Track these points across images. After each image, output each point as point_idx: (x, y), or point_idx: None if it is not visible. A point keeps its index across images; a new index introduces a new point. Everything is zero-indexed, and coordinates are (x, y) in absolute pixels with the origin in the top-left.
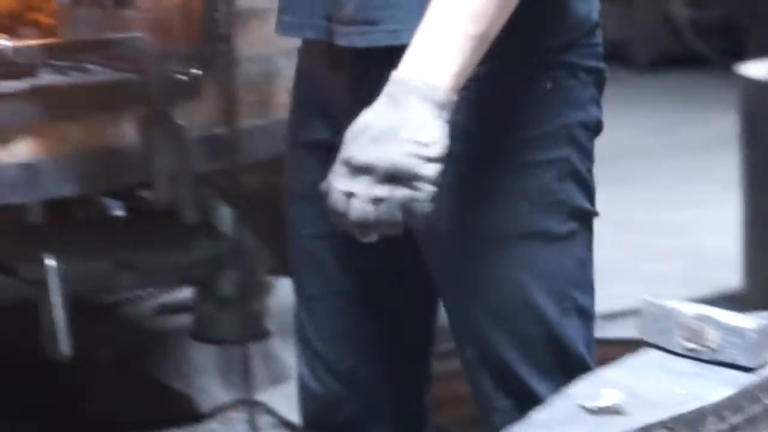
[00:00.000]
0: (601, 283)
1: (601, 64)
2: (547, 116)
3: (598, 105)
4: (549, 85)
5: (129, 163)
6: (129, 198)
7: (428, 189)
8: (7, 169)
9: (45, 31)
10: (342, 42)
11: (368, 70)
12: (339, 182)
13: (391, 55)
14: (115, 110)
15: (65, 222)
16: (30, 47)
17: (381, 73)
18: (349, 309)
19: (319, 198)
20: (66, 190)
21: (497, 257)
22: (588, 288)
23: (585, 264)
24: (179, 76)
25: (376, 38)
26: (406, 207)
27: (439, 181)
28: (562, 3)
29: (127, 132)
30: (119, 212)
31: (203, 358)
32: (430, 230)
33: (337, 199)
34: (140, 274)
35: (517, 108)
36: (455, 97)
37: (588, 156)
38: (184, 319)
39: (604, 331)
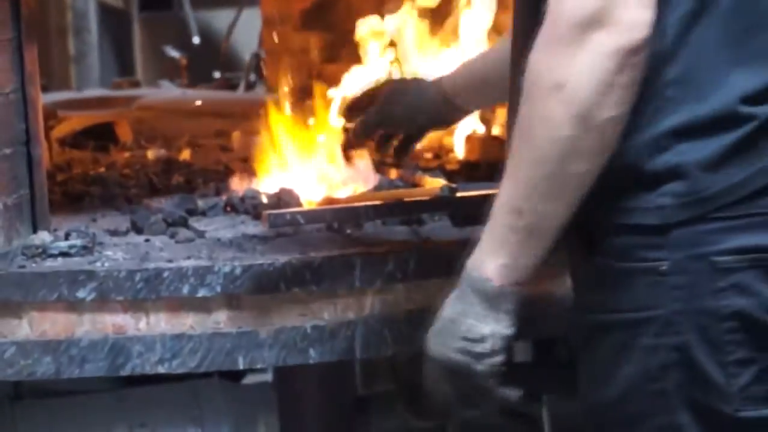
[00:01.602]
0: None
1: (759, 240)
2: (658, 300)
3: (746, 292)
4: (663, 268)
5: None
6: None
7: (484, 384)
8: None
9: None
10: None
11: None
12: (426, 367)
13: None
14: None
15: (551, 361)
16: None
17: None
18: None
19: None
20: (554, 331)
21: None
22: None
23: None
24: None
25: None
26: (471, 397)
27: (500, 371)
28: (671, 175)
29: None
30: None
31: None
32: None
33: (427, 380)
34: None
35: (621, 290)
36: (513, 288)
37: (722, 349)
38: None
39: None
